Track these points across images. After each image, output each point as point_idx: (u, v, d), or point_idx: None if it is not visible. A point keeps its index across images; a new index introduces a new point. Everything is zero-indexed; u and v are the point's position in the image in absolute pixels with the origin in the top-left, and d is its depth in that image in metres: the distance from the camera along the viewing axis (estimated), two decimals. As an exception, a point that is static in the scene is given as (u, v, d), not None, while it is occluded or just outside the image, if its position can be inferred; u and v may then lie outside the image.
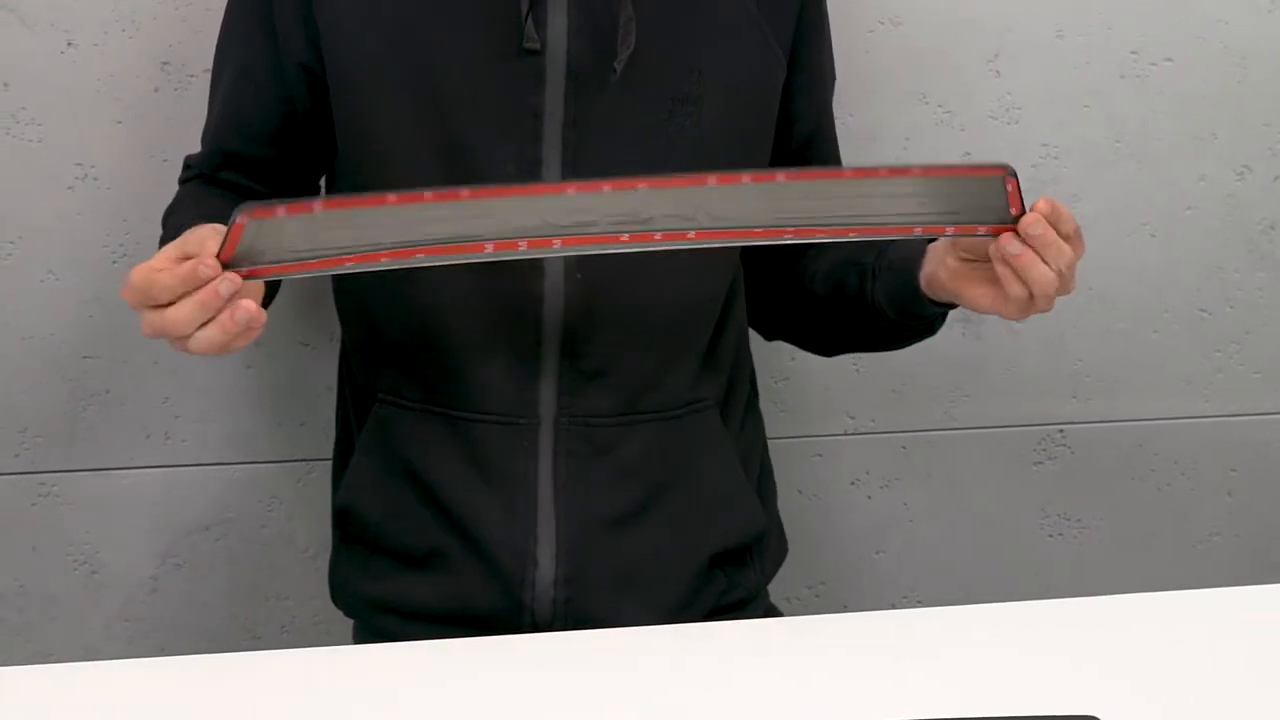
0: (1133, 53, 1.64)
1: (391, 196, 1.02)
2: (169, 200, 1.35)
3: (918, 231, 1.11)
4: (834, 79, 1.40)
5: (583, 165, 1.21)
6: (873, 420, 1.73)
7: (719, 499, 1.31)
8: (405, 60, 1.20)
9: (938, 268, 1.18)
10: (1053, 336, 1.73)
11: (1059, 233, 1.12)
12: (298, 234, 1.01)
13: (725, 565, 1.32)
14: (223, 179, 1.32)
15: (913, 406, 1.73)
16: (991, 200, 1.11)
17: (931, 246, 1.20)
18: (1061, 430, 1.76)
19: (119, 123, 1.51)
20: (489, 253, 1.04)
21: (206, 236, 1.03)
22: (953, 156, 1.65)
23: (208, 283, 1.00)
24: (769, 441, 1.69)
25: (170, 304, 1.01)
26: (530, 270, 1.22)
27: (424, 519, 1.27)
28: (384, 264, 1.04)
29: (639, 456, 1.27)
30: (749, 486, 1.34)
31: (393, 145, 1.22)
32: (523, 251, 1.05)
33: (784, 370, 1.70)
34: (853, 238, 1.10)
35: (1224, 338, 1.75)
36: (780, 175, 1.10)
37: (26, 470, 1.59)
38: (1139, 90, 1.65)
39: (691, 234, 1.07)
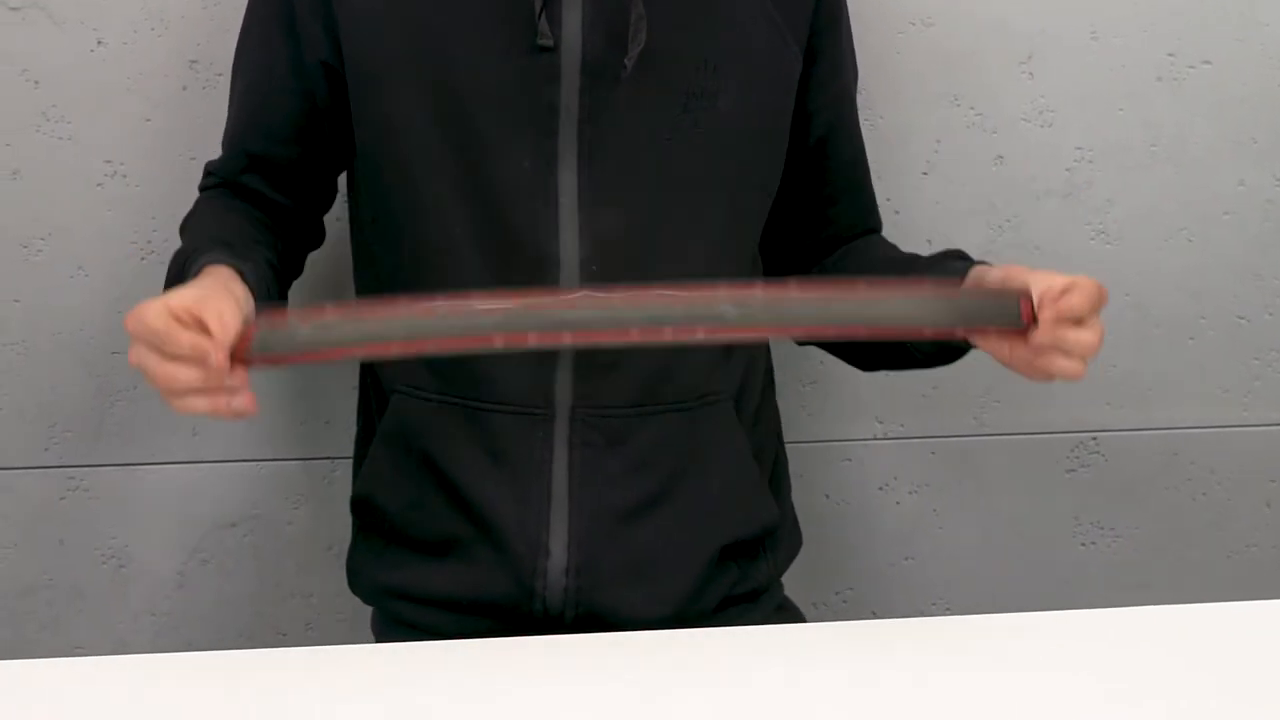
0: (1170, 55, 1.62)
1: (402, 305, 1.07)
2: (196, 198, 1.36)
3: (928, 333, 1.15)
4: (855, 74, 1.39)
5: (598, 159, 1.22)
6: (902, 425, 1.71)
7: (731, 491, 1.31)
8: (423, 56, 1.21)
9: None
10: (1086, 342, 1.70)
11: (1075, 322, 1.11)
12: (309, 332, 1.06)
13: (737, 557, 1.33)
14: (243, 184, 1.32)
15: (943, 411, 1.71)
16: (1005, 309, 1.12)
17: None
18: (1094, 437, 1.74)
19: (147, 121, 1.52)
20: (498, 345, 1.07)
21: (226, 315, 1.03)
22: (984, 160, 1.63)
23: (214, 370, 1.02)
24: (799, 445, 1.69)
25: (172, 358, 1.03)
26: (545, 265, 1.22)
27: (440, 508, 1.29)
28: (394, 353, 1.08)
29: (653, 448, 1.28)
30: (761, 479, 1.34)
31: (411, 140, 1.22)
32: (532, 344, 1.08)
33: (812, 374, 1.69)
34: (861, 336, 1.13)
35: (1263, 345, 1.72)
36: (793, 289, 1.10)
37: (55, 464, 1.60)
38: (1176, 93, 1.63)
39: (701, 332, 1.08)
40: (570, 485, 1.26)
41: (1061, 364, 1.13)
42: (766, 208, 1.33)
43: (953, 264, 1.24)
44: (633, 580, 1.27)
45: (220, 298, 1.06)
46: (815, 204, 1.37)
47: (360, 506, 1.35)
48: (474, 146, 1.21)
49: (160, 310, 1.03)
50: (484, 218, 1.22)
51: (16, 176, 1.52)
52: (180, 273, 1.18)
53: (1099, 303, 1.12)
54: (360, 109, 1.25)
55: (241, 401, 1.04)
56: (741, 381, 1.34)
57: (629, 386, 1.26)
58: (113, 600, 1.66)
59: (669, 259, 1.25)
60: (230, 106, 1.33)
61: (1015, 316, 1.11)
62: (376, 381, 1.34)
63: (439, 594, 1.29)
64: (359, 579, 1.37)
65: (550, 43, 1.19)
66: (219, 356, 1.01)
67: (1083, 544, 1.78)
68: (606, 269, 1.22)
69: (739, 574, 1.33)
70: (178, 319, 1.02)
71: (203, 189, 1.36)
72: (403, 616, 1.33)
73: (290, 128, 1.30)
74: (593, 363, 1.25)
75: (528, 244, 1.22)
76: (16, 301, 1.55)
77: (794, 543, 1.43)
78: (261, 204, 1.32)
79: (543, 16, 1.18)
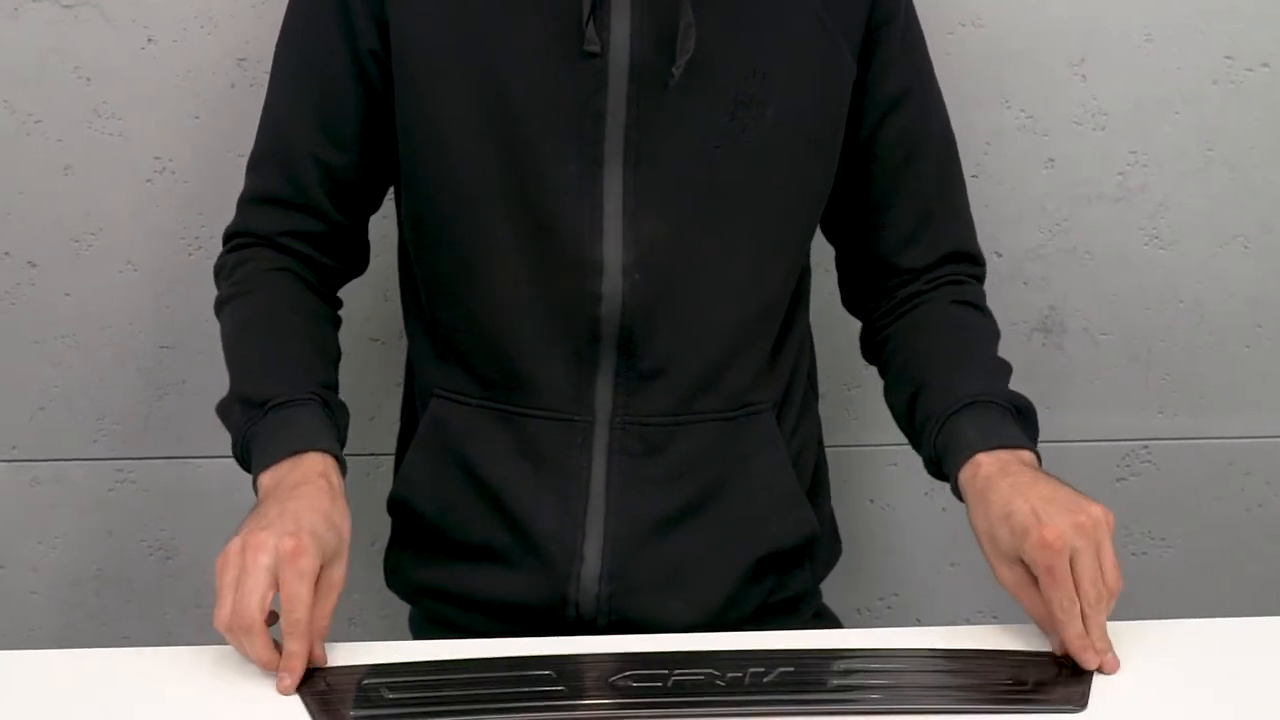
0: (1227, 57, 1.59)
1: None
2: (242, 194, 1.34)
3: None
4: (920, 76, 1.34)
5: (644, 166, 1.21)
6: (949, 430, 1.69)
7: (770, 502, 1.30)
8: (471, 59, 1.21)
9: (983, 539, 1.17)
10: (1139, 349, 1.67)
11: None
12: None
13: (775, 568, 1.32)
14: (285, 245, 1.29)
15: (991, 417, 1.69)
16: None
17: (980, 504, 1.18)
18: (1146, 446, 1.71)
19: (196, 118, 1.53)
20: None
21: (294, 659, 1.06)
22: (1036, 163, 1.61)
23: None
24: (843, 449, 1.68)
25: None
26: (588, 269, 1.22)
27: (477, 512, 1.29)
28: None
29: (692, 457, 1.27)
30: (800, 489, 1.33)
31: (456, 143, 1.22)
32: None
33: (858, 377, 1.67)
34: None
35: (1321, 354, 1.69)
36: None
37: (104, 456, 1.62)
38: (1233, 96, 1.60)
39: None
40: (608, 492, 1.25)
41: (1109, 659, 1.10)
42: (816, 217, 1.32)
43: (965, 434, 1.21)
44: (667, 588, 1.27)
45: (310, 555, 1.07)
46: (864, 210, 1.35)
47: (397, 508, 1.35)
48: (519, 150, 1.21)
49: (259, 638, 1.06)
50: (528, 221, 1.22)
51: (68, 172, 1.54)
52: (252, 432, 1.19)
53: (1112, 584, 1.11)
54: (406, 110, 1.24)
55: (283, 690, 1.06)
56: (784, 391, 1.33)
57: (670, 395, 1.26)
58: (160, 592, 1.68)
59: (713, 267, 1.24)
60: (274, 122, 1.30)
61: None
62: (418, 383, 1.35)
63: (474, 596, 1.30)
64: (396, 577, 1.37)
65: (597, 49, 1.18)
66: (283, 685, 1.05)
67: (1133, 554, 1.75)
68: (649, 275, 1.22)
69: (776, 583, 1.32)
70: (260, 643, 1.06)
71: (238, 245, 1.31)
72: (439, 615, 1.33)
73: (357, 137, 1.27)
74: (634, 371, 1.24)
75: (570, 249, 1.22)
76: (67, 295, 1.57)
77: (833, 551, 1.42)
78: (305, 263, 1.30)
79: (590, 22, 1.18)
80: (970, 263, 1.37)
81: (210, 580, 1.65)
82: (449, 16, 1.22)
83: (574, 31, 1.19)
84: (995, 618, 1.75)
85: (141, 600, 1.68)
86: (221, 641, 1.09)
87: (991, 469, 1.16)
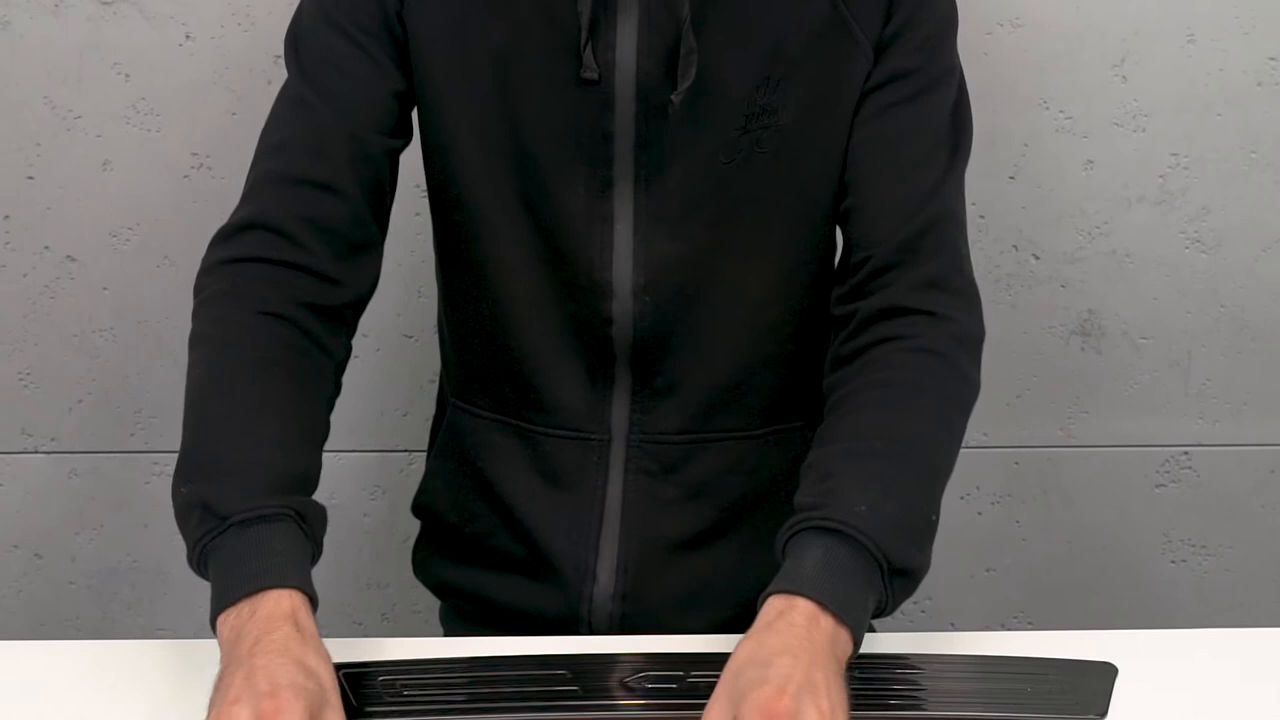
0: (1271, 59, 1.56)
1: None
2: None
3: None
4: (940, 72, 1.25)
5: (655, 186, 1.19)
6: (984, 434, 1.68)
7: None
8: (480, 79, 1.19)
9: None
10: (1179, 354, 1.65)
11: None
12: None
13: None
14: (290, 264, 1.14)
15: (1027, 421, 1.68)
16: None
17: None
18: (1186, 452, 1.69)
19: (233, 114, 1.54)
20: None
21: None
22: (1074, 165, 1.59)
23: None
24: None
25: None
26: (599, 292, 1.20)
27: (493, 525, 1.28)
28: None
29: (711, 477, 1.25)
30: None
31: (469, 162, 1.21)
32: None
33: (892, 379, 1.66)
34: None
35: (1366, 361, 1.66)
36: None
37: (141, 449, 1.64)
38: (1277, 98, 1.57)
39: None
40: (623, 512, 1.24)
41: None
42: (831, 226, 1.25)
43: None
44: (681, 609, 1.25)
45: (293, 712, 0.91)
46: (841, 214, 1.23)
47: (421, 512, 1.35)
48: (529, 172, 1.19)
49: None
50: (541, 242, 1.20)
51: (107, 167, 1.55)
52: (212, 547, 1.06)
53: None
54: (425, 129, 1.23)
55: None
56: (817, 409, 1.26)
57: (686, 414, 1.23)
58: (195, 584, 1.68)
59: (727, 284, 1.21)
60: (301, 110, 1.21)
61: None
62: (444, 390, 1.35)
63: (494, 601, 1.29)
64: (422, 570, 1.37)
65: (594, 76, 1.16)
66: None
67: (1173, 561, 1.73)
68: (661, 296, 1.20)
69: None
70: None
71: (236, 258, 1.17)
72: (463, 610, 1.33)
73: (388, 123, 1.20)
74: (649, 389, 1.23)
75: (581, 272, 1.20)
76: (105, 289, 1.59)
77: None
78: (309, 296, 1.15)
79: (589, 48, 1.15)
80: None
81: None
82: (460, 38, 1.20)
83: (578, 54, 1.16)
84: (1031, 623, 1.74)
85: (177, 592, 1.69)
86: None
87: (769, 615, 1.00)
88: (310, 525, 1.06)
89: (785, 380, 1.26)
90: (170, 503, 1.65)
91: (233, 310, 1.15)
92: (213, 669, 1.02)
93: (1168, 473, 1.69)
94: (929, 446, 1.12)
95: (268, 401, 1.10)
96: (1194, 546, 1.72)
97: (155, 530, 1.67)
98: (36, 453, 1.64)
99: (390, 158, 1.21)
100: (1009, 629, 1.73)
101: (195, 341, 1.16)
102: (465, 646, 1.12)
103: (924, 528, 1.08)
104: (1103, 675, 1.07)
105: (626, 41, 1.17)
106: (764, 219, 1.21)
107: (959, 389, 1.17)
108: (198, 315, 1.17)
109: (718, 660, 1.07)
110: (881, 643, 1.16)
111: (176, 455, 1.63)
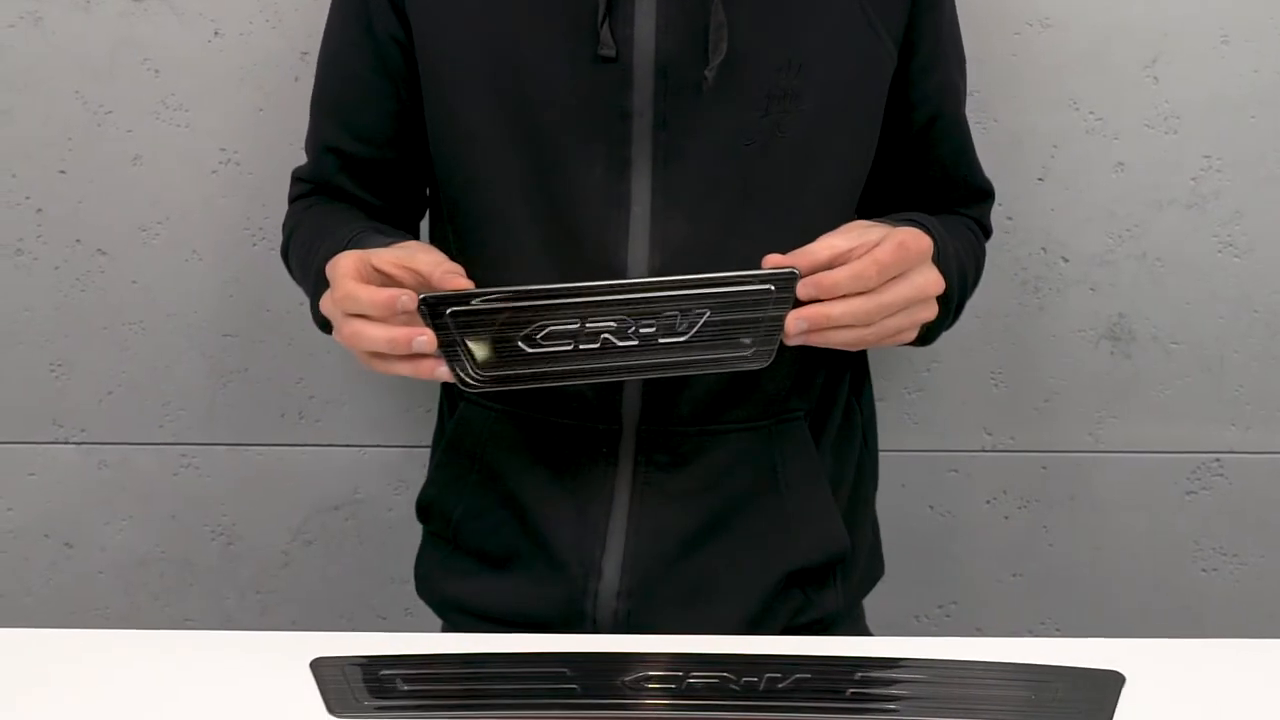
0: (1307, 60, 1.54)
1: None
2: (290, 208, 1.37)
3: None
4: (961, 61, 1.32)
5: (673, 166, 1.19)
6: (1012, 438, 1.66)
7: (801, 515, 1.27)
8: (493, 57, 1.20)
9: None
10: (1212, 359, 1.63)
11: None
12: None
13: (804, 583, 1.28)
14: (338, 186, 1.31)
15: (1056, 425, 1.66)
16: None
17: None
18: (1218, 459, 1.66)
19: (260, 110, 1.56)
20: None
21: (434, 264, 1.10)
22: (1104, 167, 1.57)
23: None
24: (903, 454, 1.66)
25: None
26: (613, 274, 1.19)
27: (500, 520, 1.28)
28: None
29: (721, 469, 1.25)
30: (833, 504, 1.29)
31: (480, 145, 1.21)
32: None
33: (918, 382, 1.65)
34: None
35: (1403, 367, 1.63)
36: None
37: (169, 441, 1.66)
38: (1313, 101, 1.54)
39: None
40: (630, 505, 1.24)
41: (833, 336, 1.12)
42: (852, 209, 1.27)
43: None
44: (687, 605, 1.24)
45: (338, 264, 1.11)
46: (918, 198, 1.31)
47: (425, 512, 1.35)
48: (545, 153, 1.19)
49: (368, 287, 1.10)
50: (554, 224, 1.20)
51: (137, 162, 1.57)
52: (318, 266, 1.18)
53: (868, 277, 1.10)
54: (431, 111, 1.24)
55: (433, 372, 1.09)
56: (819, 400, 1.29)
57: (699, 403, 1.23)
58: (221, 576, 1.71)
59: (742, 270, 1.21)
60: (312, 108, 1.32)
61: None
62: (445, 388, 1.35)
63: (494, 611, 1.28)
64: (424, 585, 1.37)
65: (612, 53, 1.16)
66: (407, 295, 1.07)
67: (1203, 569, 1.70)
68: None
69: (804, 600, 1.28)
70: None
71: (295, 198, 1.35)
72: (463, 629, 1.31)
73: (380, 130, 1.28)
74: (662, 377, 1.22)
75: (597, 252, 1.20)
76: (134, 283, 1.61)
77: (872, 570, 1.38)
78: (360, 206, 1.32)
79: (605, 25, 1.15)
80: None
81: (269, 567, 1.70)
82: (469, 14, 1.20)
83: (595, 31, 1.17)
84: (1058, 630, 1.72)
85: (203, 583, 1.71)
86: (280, 628, 1.11)
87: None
88: (373, 236, 1.20)
89: (794, 368, 1.26)
90: (193, 493, 1.69)
91: (306, 203, 1.34)
92: (240, 662, 1.07)
93: (1199, 480, 1.67)
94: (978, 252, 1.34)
95: (349, 212, 1.29)
96: (1226, 555, 1.69)
97: (183, 522, 1.69)
98: (67, 443, 1.66)
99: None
100: (1036, 635, 1.71)
101: (287, 219, 1.36)
102: (462, 643, 1.12)
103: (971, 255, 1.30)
104: (1109, 684, 1.06)
105: (645, 18, 1.17)
106: (780, 203, 1.21)
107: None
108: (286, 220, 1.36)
109: (717, 661, 1.07)
110: (891, 646, 1.15)
111: (202, 447, 1.67)
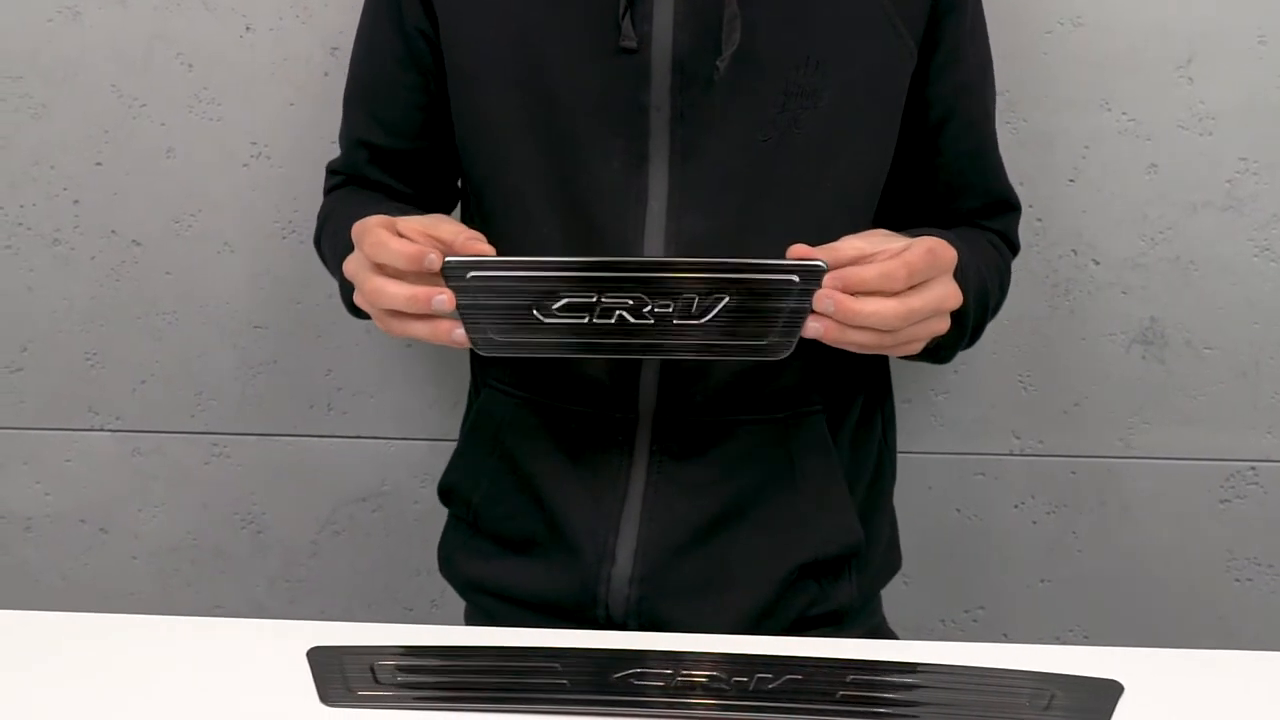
0: (1347, 62, 1.50)
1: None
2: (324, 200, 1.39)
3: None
4: (984, 66, 1.31)
5: (690, 161, 1.19)
6: (1040, 442, 1.64)
7: (815, 507, 1.26)
8: (513, 54, 1.21)
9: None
10: (1246, 365, 1.60)
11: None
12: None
13: (818, 575, 1.28)
14: (369, 177, 1.34)
15: (1086, 430, 1.63)
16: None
17: None
18: (1253, 468, 1.63)
19: (291, 104, 1.57)
20: None
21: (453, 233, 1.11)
22: (1137, 168, 1.54)
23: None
24: (929, 456, 1.65)
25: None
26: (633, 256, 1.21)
27: (518, 505, 1.29)
28: None
29: (736, 460, 1.25)
30: (848, 499, 1.28)
31: (502, 137, 1.23)
32: None
33: (945, 384, 1.63)
34: None
35: None
36: None
37: (200, 430, 1.68)
38: (1353, 103, 1.51)
39: None
40: (645, 493, 1.24)
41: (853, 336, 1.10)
42: (870, 211, 1.27)
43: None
44: (700, 594, 1.25)
45: (366, 228, 1.13)
46: (929, 201, 1.31)
47: (447, 495, 1.37)
48: (564, 146, 1.20)
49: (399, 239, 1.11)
50: (573, 217, 1.21)
51: (170, 155, 1.59)
52: (347, 240, 1.20)
53: (898, 278, 1.08)
54: (457, 104, 1.25)
55: (453, 338, 1.10)
56: (838, 395, 1.29)
57: (715, 395, 1.24)
58: (251, 564, 1.73)
59: None
60: (345, 102, 1.35)
61: None
62: (473, 374, 1.36)
63: (513, 591, 1.30)
64: (447, 567, 1.39)
65: (633, 45, 1.17)
66: (435, 253, 1.08)
67: (1237, 579, 1.67)
68: None
69: (818, 592, 1.28)
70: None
71: (330, 189, 1.38)
72: (484, 607, 1.34)
73: (410, 123, 1.31)
74: (680, 367, 1.23)
75: (614, 245, 1.20)
76: (167, 274, 1.63)
77: (889, 563, 1.37)
78: (392, 196, 1.34)
79: (627, 17, 1.16)
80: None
81: (298, 556, 1.72)
82: (493, 7, 1.22)
83: (613, 26, 1.18)
84: (1086, 637, 1.70)
85: (233, 570, 1.73)
86: (308, 617, 1.12)
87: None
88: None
89: (811, 362, 1.25)
90: (224, 482, 1.71)
91: (345, 195, 1.36)
92: (269, 648, 1.08)
93: (1233, 488, 1.64)
94: (1002, 270, 1.32)
95: (386, 200, 1.31)
96: (1260, 565, 1.66)
97: (213, 510, 1.71)
98: (102, 430, 1.69)
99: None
100: (1064, 643, 1.69)
101: (321, 209, 1.37)
102: (454, 635, 1.13)
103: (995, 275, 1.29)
104: (1106, 693, 1.04)
105: (663, 11, 1.18)
106: (797, 201, 1.21)
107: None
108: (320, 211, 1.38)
109: (707, 660, 1.07)
110: (887, 650, 1.14)
111: (233, 437, 1.68)
